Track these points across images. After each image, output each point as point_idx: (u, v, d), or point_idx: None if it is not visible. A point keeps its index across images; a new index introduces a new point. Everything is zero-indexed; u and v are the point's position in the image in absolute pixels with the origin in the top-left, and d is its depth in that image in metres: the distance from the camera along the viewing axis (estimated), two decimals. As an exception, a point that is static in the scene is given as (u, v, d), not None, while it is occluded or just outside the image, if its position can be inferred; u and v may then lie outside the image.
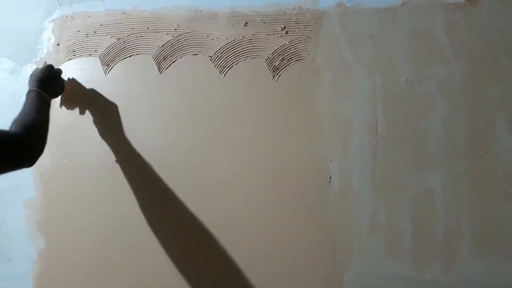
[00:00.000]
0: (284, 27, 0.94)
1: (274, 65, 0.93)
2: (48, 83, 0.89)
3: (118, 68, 1.01)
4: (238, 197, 0.90)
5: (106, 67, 1.01)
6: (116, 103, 0.99)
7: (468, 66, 0.86)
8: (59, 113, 1.01)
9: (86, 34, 1.04)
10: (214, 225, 0.90)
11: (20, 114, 0.76)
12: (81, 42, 1.04)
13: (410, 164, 0.85)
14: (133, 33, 1.01)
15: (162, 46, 0.99)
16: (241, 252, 0.88)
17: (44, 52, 1.06)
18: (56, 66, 1.00)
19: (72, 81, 1.01)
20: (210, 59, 0.96)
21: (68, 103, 1.01)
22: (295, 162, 0.89)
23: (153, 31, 1.00)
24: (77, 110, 1.00)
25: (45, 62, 1.00)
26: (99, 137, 0.97)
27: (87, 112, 1.00)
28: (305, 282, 0.85)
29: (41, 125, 0.77)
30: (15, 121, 0.73)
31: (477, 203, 0.81)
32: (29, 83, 0.89)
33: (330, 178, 0.87)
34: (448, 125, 0.84)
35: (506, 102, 0.83)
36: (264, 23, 0.95)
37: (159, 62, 0.99)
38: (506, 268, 0.79)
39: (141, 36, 1.01)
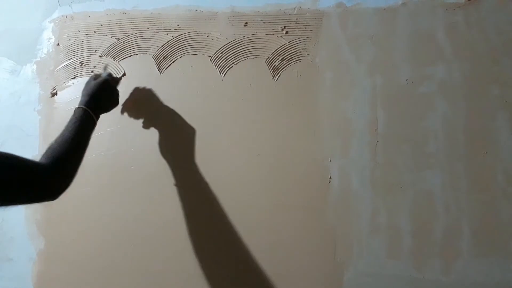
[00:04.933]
0: (284, 27, 0.94)
1: (274, 65, 0.93)
2: (101, 99, 0.83)
3: (118, 68, 1.01)
4: (238, 197, 0.90)
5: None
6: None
7: (468, 66, 0.86)
8: (59, 113, 1.01)
9: (86, 34, 1.04)
10: (214, 225, 0.90)
11: (56, 141, 0.70)
12: (81, 42, 1.04)
13: (410, 164, 0.85)
14: (133, 33, 1.01)
15: (162, 46, 0.99)
16: (241, 252, 0.88)
17: (44, 52, 1.06)
18: (56, 66, 1.00)
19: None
20: (210, 59, 0.96)
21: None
22: (295, 162, 0.89)
23: (153, 31, 1.00)
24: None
25: (106, 67, 0.95)
26: (100, 137, 0.97)
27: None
28: (305, 282, 0.85)
29: (74, 158, 0.71)
30: (48, 149, 0.68)
31: (477, 203, 0.81)
32: (82, 94, 0.83)
33: (330, 178, 0.87)
34: (448, 125, 0.84)
35: (506, 102, 0.83)
36: (264, 23, 0.95)
37: (159, 62, 0.99)
38: (506, 268, 0.79)
39: (141, 36, 1.01)
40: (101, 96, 0.84)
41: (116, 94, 0.91)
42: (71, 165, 0.70)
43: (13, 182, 0.56)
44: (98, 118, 0.82)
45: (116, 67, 1.00)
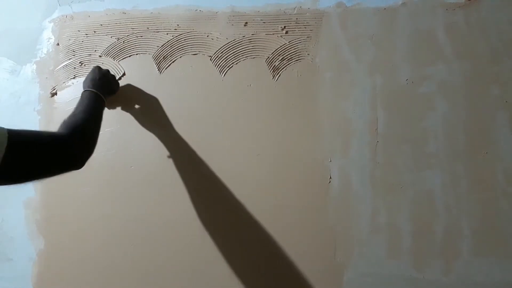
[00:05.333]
0: (284, 27, 0.94)
1: (274, 65, 0.93)
2: (102, 82, 0.87)
3: (118, 68, 1.01)
4: (238, 197, 0.90)
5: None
6: (116, 102, 0.99)
7: (468, 66, 0.86)
8: (59, 113, 1.01)
9: (86, 34, 1.04)
10: (214, 225, 0.90)
11: (69, 116, 0.73)
12: (81, 42, 1.04)
13: (410, 164, 0.85)
14: (133, 33, 1.01)
15: (162, 46, 0.99)
16: (241, 252, 0.88)
17: (44, 52, 1.06)
18: (56, 66, 1.00)
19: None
20: (210, 59, 0.96)
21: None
22: (295, 162, 0.89)
23: (153, 31, 1.00)
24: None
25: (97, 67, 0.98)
26: (100, 137, 0.97)
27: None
28: (305, 282, 0.85)
29: (89, 125, 0.73)
30: (63, 123, 0.69)
31: (477, 203, 0.81)
32: (84, 85, 0.87)
33: (330, 178, 0.87)
34: (448, 125, 0.84)
35: (506, 102, 0.83)
36: (264, 23, 0.95)
37: (159, 62, 0.99)
38: (506, 268, 0.79)
39: (141, 36, 1.01)
40: (100, 78, 0.87)
41: (112, 77, 0.94)
42: (89, 132, 0.72)
43: (37, 155, 0.58)
44: (105, 98, 0.85)
45: (116, 67, 1.00)
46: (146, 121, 0.97)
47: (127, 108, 0.98)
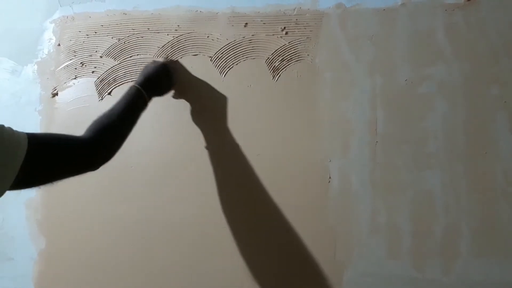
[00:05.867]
0: (284, 27, 0.94)
1: (274, 66, 0.93)
2: (156, 83, 0.85)
3: (119, 69, 1.01)
4: (238, 197, 0.90)
5: (106, 67, 1.01)
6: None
7: (467, 66, 0.86)
8: (60, 113, 1.02)
9: (87, 35, 1.04)
10: (214, 225, 0.90)
11: (103, 114, 0.72)
12: (82, 43, 1.04)
13: (409, 164, 0.85)
14: (133, 34, 1.01)
15: (163, 46, 0.99)
16: (241, 252, 0.88)
17: (45, 53, 1.06)
18: (57, 67, 1.00)
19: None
20: (211, 60, 0.97)
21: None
22: (295, 162, 0.89)
23: (154, 32, 1.01)
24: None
25: (167, 57, 0.96)
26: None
27: (89, 112, 1.01)
28: (305, 282, 0.85)
29: (117, 132, 0.72)
30: (93, 122, 0.69)
31: (477, 203, 0.81)
32: (139, 75, 0.85)
33: (330, 178, 0.87)
34: (447, 125, 0.85)
35: (505, 102, 0.83)
36: (264, 23, 0.95)
37: (160, 62, 0.99)
38: (506, 268, 0.79)
39: (142, 37, 1.01)
40: (156, 78, 0.85)
41: (172, 78, 0.92)
42: (113, 138, 0.71)
43: (56, 160, 0.59)
44: (150, 99, 0.83)
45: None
46: (146, 121, 0.97)
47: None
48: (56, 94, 1.04)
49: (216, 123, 0.94)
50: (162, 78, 0.88)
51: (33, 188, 0.59)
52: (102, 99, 1.01)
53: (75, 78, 1.03)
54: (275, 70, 0.93)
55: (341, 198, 0.86)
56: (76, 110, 1.02)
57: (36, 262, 0.98)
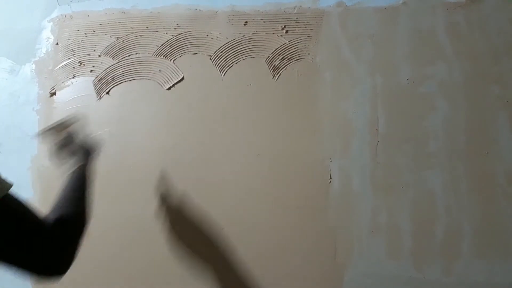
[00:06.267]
0: (284, 26, 0.93)
1: (274, 65, 0.93)
2: (85, 150, 0.74)
3: (118, 68, 1.00)
4: (238, 197, 0.90)
5: (105, 66, 1.01)
6: (116, 102, 0.99)
7: (468, 66, 0.85)
8: (58, 113, 1.01)
9: (85, 34, 1.03)
10: (214, 225, 0.90)
11: (61, 202, 0.60)
12: (80, 42, 1.03)
13: (410, 164, 0.84)
14: (132, 32, 1.01)
15: (162, 45, 0.99)
16: (241, 252, 0.88)
17: (43, 52, 1.06)
18: (55, 66, 0.99)
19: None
20: (210, 58, 0.96)
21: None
22: (295, 162, 0.88)
23: (153, 30, 1.00)
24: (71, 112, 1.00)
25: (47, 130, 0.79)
26: (99, 138, 0.97)
27: (87, 111, 1.00)
28: (305, 282, 0.85)
29: (76, 228, 0.61)
30: (52, 212, 0.57)
31: (478, 203, 0.81)
32: (79, 154, 0.73)
33: (330, 178, 0.87)
34: (448, 124, 0.84)
35: (506, 101, 0.83)
36: (264, 22, 0.94)
37: (159, 61, 0.98)
38: (507, 269, 0.79)
39: (141, 36, 1.00)
40: (85, 150, 0.75)
41: (85, 141, 0.78)
42: (76, 235, 0.61)
43: (9, 235, 0.47)
44: (89, 165, 0.73)
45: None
46: (146, 120, 0.97)
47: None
48: (54, 93, 1.03)
49: (216, 125, 0.93)
50: (79, 146, 0.76)
51: None
52: (100, 98, 1.00)
53: (73, 77, 1.03)
54: (275, 69, 0.92)
55: (342, 198, 0.86)
56: (74, 109, 1.01)
57: (34, 262, 0.97)
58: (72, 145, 0.75)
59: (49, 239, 0.50)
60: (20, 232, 0.47)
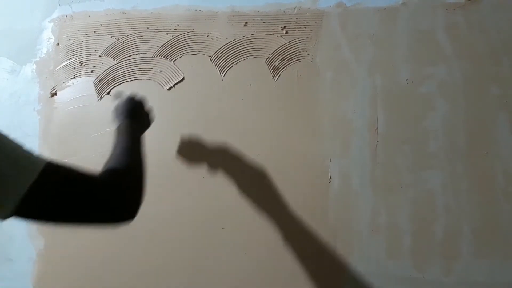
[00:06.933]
0: (284, 26, 0.94)
1: (274, 65, 0.93)
2: (135, 115, 0.77)
3: (118, 68, 1.01)
4: (238, 197, 0.90)
5: (105, 67, 1.01)
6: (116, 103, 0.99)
7: (468, 66, 0.85)
8: (59, 113, 1.01)
9: (86, 34, 1.04)
10: (214, 225, 0.90)
11: (112, 155, 0.63)
12: (81, 42, 1.04)
13: (410, 164, 0.84)
14: (133, 33, 1.01)
15: (162, 46, 0.99)
16: (241, 252, 0.88)
17: (44, 52, 1.06)
18: (56, 66, 0.99)
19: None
20: (210, 59, 0.96)
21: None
22: (295, 162, 0.88)
23: (153, 31, 1.00)
24: (74, 109, 1.00)
25: (121, 93, 0.86)
26: (99, 138, 0.97)
27: (88, 111, 1.00)
28: (305, 282, 0.85)
29: (129, 170, 0.62)
30: (105, 164, 0.60)
31: (477, 203, 0.81)
32: (116, 116, 0.77)
33: (330, 178, 0.87)
34: (448, 125, 0.84)
35: (506, 102, 0.83)
36: (264, 22, 0.95)
37: (159, 62, 0.99)
38: (507, 268, 0.79)
39: (141, 36, 1.01)
40: (134, 110, 0.79)
41: (146, 109, 0.84)
42: (130, 179, 0.61)
43: (67, 194, 0.50)
44: (141, 133, 0.75)
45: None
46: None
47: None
48: (55, 93, 1.03)
49: (217, 126, 0.94)
50: (139, 107, 0.82)
51: (41, 222, 0.51)
52: (101, 99, 1.01)
53: (74, 78, 1.03)
54: (275, 70, 0.93)
55: (342, 198, 0.86)
56: (75, 109, 1.02)
57: (35, 262, 0.97)
58: (126, 105, 0.79)
59: (106, 190, 0.54)
60: (78, 193, 0.51)
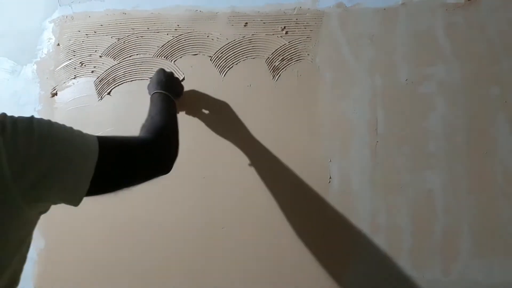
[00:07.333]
0: (284, 27, 0.94)
1: (274, 65, 0.93)
2: (168, 84, 0.84)
3: (118, 68, 1.01)
4: (238, 197, 0.90)
5: (106, 67, 1.01)
6: (117, 103, 0.99)
7: (467, 66, 0.85)
8: (59, 113, 1.02)
9: (86, 34, 1.04)
10: (214, 225, 0.90)
11: (146, 119, 0.71)
12: (81, 42, 1.04)
13: (410, 164, 0.85)
14: (133, 33, 1.01)
15: (162, 46, 0.99)
16: (241, 252, 0.88)
17: (44, 52, 1.06)
18: (56, 67, 1.00)
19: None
20: (210, 59, 0.96)
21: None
22: (295, 162, 0.89)
23: (153, 31, 1.00)
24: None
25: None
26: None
27: (88, 111, 1.01)
28: (305, 282, 0.85)
29: (169, 127, 0.71)
30: (142, 127, 0.68)
31: (477, 203, 0.81)
32: (150, 88, 0.84)
33: (330, 178, 0.87)
34: (448, 125, 0.84)
35: (505, 102, 0.83)
36: (264, 23, 0.95)
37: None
38: (506, 268, 0.79)
39: (141, 36, 1.01)
40: (167, 80, 0.84)
41: (177, 79, 0.92)
42: (171, 134, 0.70)
43: (127, 161, 0.56)
44: (175, 100, 0.83)
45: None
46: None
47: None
48: (56, 94, 1.04)
49: (219, 126, 0.94)
50: (172, 79, 0.88)
51: (110, 193, 0.56)
52: (101, 99, 1.01)
53: (74, 78, 1.03)
54: (275, 70, 0.93)
55: (341, 198, 0.86)
56: (76, 110, 1.02)
57: (35, 262, 0.97)
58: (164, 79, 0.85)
59: (156, 146, 0.62)
60: (135, 156, 0.58)
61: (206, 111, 0.95)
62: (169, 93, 0.81)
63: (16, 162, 0.42)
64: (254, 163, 0.90)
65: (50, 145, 0.45)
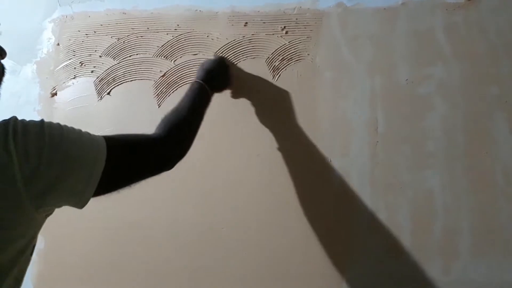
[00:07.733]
0: (284, 27, 0.94)
1: (274, 65, 0.93)
2: (216, 77, 0.84)
3: (118, 68, 1.01)
4: (238, 197, 0.90)
5: (106, 67, 1.01)
6: (116, 103, 0.99)
7: (467, 66, 0.86)
8: (59, 113, 1.02)
9: (86, 34, 1.04)
10: (214, 225, 0.90)
11: (172, 110, 0.71)
12: (81, 42, 1.04)
13: (409, 164, 0.85)
14: (133, 33, 1.01)
15: (162, 46, 0.99)
16: (241, 252, 0.88)
17: (44, 52, 1.06)
18: (56, 66, 1.00)
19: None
20: (210, 59, 0.96)
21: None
22: (295, 162, 0.89)
23: (153, 31, 1.00)
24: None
25: (216, 54, 0.95)
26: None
27: (88, 111, 1.00)
28: (305, 282, 0.85)
29: (187, 127, 0.70)
30: (164, 118, 0.69)
31: (477, 202, 0.81)
32: (198, 71, 0.84)
33: (330, 178, 0.87)
34: (447, 125, 0.85)
35: (505, 102, 0.83)
36: (264, 23, 0.95)
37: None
38: (506, 268, 0.79)
39: (141, 36, 1.01)
40: (216, 72, 0.85)
41: (230, 73, 0.91)
42: (185, 133, 0.69)
43: (134, 160, 0.58)
44: (212, 94, 0.82)
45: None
46: (146, 121, 0.96)
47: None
48: (55, 93, 1.04)
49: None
50: (221, 73, 0.87)
51: (113, 192, 0.56)
52: (101, 99, 1.01)
53: (74, 78, 1.03)
54: (275, 70, 0.93)
55: (341, 198, 0.86)
56: (75, 109, 1.02)
57: (35, 262, 0.97)
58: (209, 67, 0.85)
59: (163, 145, 0.63)
60: (142, 155, 0.59)
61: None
62: (209, 86, 0.80)
63: (28, 167, 0.42)
64: (254, 163, 0.91)
65: (61, 151, 0.46)
